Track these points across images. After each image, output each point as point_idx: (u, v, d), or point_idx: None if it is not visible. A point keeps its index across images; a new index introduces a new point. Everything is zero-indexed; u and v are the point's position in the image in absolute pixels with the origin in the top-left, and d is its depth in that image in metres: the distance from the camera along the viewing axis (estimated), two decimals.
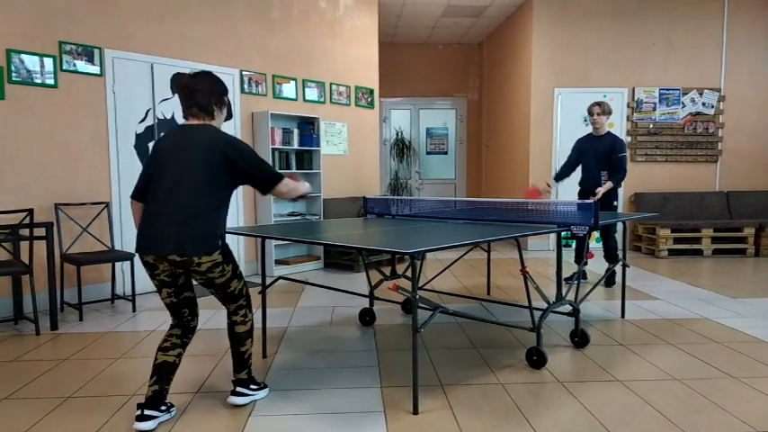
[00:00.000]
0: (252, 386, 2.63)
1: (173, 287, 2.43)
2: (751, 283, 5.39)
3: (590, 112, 5.09)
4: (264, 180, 2.47)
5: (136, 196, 2.49)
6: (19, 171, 4.34)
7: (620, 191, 5.37)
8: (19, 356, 3.35)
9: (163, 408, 2.42)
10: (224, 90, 2.54)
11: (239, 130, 5.81)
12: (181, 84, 2.47)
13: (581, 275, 5.17)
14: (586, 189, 5.17)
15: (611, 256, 5.13)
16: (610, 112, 5.11)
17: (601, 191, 4.94)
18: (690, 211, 7.50)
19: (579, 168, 5.32)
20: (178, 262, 2.29)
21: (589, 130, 5.30)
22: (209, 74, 2.50)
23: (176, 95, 5.29)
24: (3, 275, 3.79)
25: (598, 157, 5.07)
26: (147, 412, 2.34)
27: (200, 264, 2.31)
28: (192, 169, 2.32)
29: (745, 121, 7.70)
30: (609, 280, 5.21)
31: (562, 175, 5.33)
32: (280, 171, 2.44)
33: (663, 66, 7.58)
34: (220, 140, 2.38)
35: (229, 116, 2.64)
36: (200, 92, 2.43)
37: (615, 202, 5.12)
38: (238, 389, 2.59)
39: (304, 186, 2.64)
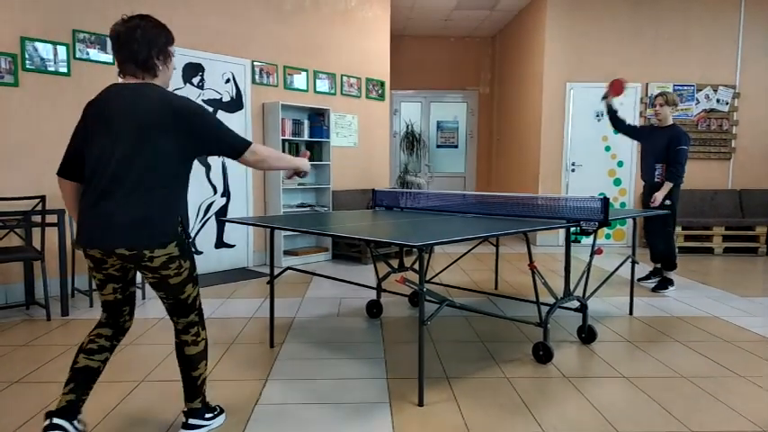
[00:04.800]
0: (207, 415, 2.25)
1: (121, 282, 2.08)
2: (761, 281, 5.35)
3: (653, 104, 4.87)
4: (230, 146, 2.05)
5: (63, 173, 2.06)
6: (32, 158, 4.38)
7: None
8: (30, 341, 3.40)
9: (76, 423, 2.02)
10: (168, 39, 2.05)
11: (250, 120, 5.82)
12: (113, 31, 1.98)
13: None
14: (645, 183, 4.95)
15: (663, 259, 4.88)
16: (675, 104, 4.81)
17: (659, 196, 4.64)
18: (701, 208, 7.43)
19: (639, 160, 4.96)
20: (127, 256, 1.92)
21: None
22: (147, 18, 2.00)
23: (184, 75, 5.31)
24: (15, 261, 3.83)
25: (656, 148, 4.79)
26: (56, 421, 1.96)
27: (152, 258, 1.94)
28: (137, 141, 1.89)
29: (760, 119, 7.61)
30: (658, 284, 4.93)
31: (616, 119, 5.00)
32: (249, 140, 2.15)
33: (677, 61, 7.50)
34: (170, 103, 1.94)
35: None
36: (137, 42, 1.95)
37: (667, 201, 4.70)
38: (191, 420, 2.20)
39: (297, 161, 2.30)
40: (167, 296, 2.08)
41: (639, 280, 5.26)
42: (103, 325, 2.13)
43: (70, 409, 2.00)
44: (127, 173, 1.89)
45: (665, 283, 4.89)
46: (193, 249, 5.44)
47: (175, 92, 5.13)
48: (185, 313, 2.13)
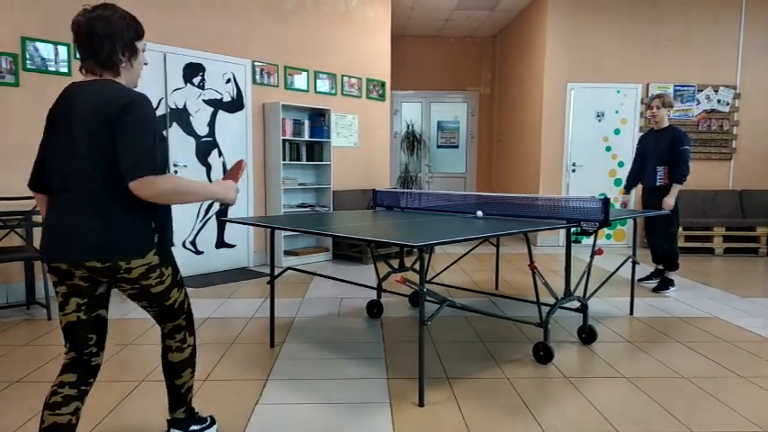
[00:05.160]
0: (193, 427, 2.10)
1: (86, 297, 1.81)
2: (762, 282, 5.34)
3: (649, 106, 4.86)
4: (127, 161, 1.66)
5: (35, 186, 1.87)
6: (32, 158, 4.38)
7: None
8: (31, 341, 3.40)
9: None
10: (136, 33, 1.84)
11: (250, 120, 5.82)
12: (74, 23, 1.76)
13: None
14: (645, 187, 4.93)
15: (666, 260, 4.89)
16: (671, 106, 4.83)
17: (670, 201, 4.63)
18: (702, 209, 7.43)
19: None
20: (99, 269, 1.72)
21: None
22: (112, 9, 1.78)
23: (187, 82, 5.31)
24: (16, 261, 3.84)
25: (656, 151, 4.80)
26: None
27: (129, 269, 1.75)
28: (92, 146, 1.69)
29: (761, 119, 7.61)
30: (659, 284, 4.94)
31: (631, 182, 5.08)
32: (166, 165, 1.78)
33: (678, 62, 7.50)
34: (118, 101, 1.69)
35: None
36: (98, 36, 1.74)
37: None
38: (173, 431, 2.09)
39: (212, 191, 1.86)
40: (151, 305, 1.90)
41: (640, 280, 5.26)
42: (66, 369, 1.83)
43: None
44: (89, 179, 1.70)
45: (665, 284, 4.89)
46: (193, 249, 5.44)
47: (175, 92, 5.18)
48: (172, 318, 1.98)
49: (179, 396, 2.06)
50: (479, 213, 3.53)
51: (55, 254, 1.73)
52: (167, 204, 1.85)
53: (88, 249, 1.70)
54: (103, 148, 1.69)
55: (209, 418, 2.19)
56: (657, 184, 4.79)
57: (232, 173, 2.07)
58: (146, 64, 1.93)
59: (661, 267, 5.02)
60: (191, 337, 2.06)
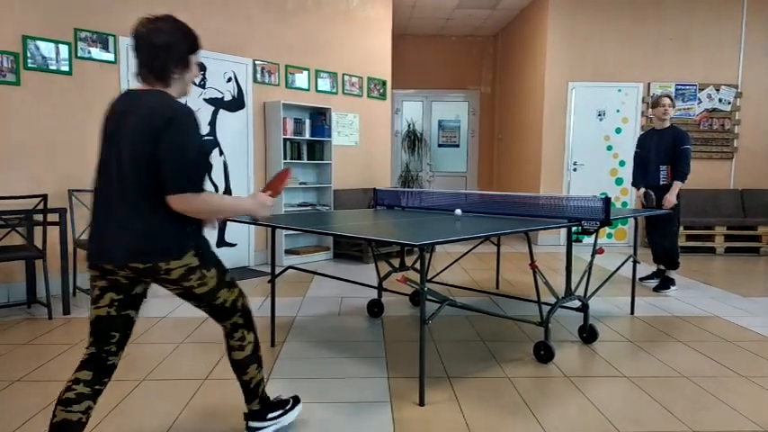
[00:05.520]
0: (270, 414, 2.17)
1: (123, 294, 1.86)
2: (763, 281, 5.34)
3: (662, 104, 4.80)
4: (170, 177, 1.73)
5: None
6: (33, 157, 4.39)
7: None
8: (31, 340, 3.40)
9: None
10: (191, 47, 1.89)
11: (251, 119, 5.82)
12: (134, 31, 1.83)
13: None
14: (648, 186, 4.91)
15: (665, 259, 4.89)
16: (674, 105, 4.89)
17: (671, 198, 4.67)
18: (703, 208, 7.42)
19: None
20: (141, 270, 1.78)
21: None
22: (171, 21, 1.85)
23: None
24: (17, 260, 3.84)
25: (659, 151, 4.79)
26: None
27: (168, 270, 1.80)
28: (138, 149, 1.73)
29: (763, 119, 7.59)
30: (660, 283, 4.92)
31: (640, 178, 5.01)
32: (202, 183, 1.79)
33: (679, 61, 7.49)
34: (163, 112, 1.74)
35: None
36: (154, 48, 1.80)
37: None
38: (251, 423, 2.15)
39: (244, 206, 1.93)
40: (200, 304, 1.95)
41: (641, 279, 5.26)
42: (83, 365, 1.85)
43: None
44: (130, 186, 1.75)
45: (666, 283, 4.89)
46: None
47: None
48: (227, 316, 2.03)
49: (250, 390, 2.11)
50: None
51: (99, 257, 1.80)
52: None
53: (129, 253, 1.76)
54: (146, 158, 1.74)
55: (290, 400, 2.26)
56: (661, 183, 4.80)
57: (274, 183, 2.10)
58: (196, 76, 1.99)
59: (662, 267, 5.02)
60: (250, 333, 2.10)
